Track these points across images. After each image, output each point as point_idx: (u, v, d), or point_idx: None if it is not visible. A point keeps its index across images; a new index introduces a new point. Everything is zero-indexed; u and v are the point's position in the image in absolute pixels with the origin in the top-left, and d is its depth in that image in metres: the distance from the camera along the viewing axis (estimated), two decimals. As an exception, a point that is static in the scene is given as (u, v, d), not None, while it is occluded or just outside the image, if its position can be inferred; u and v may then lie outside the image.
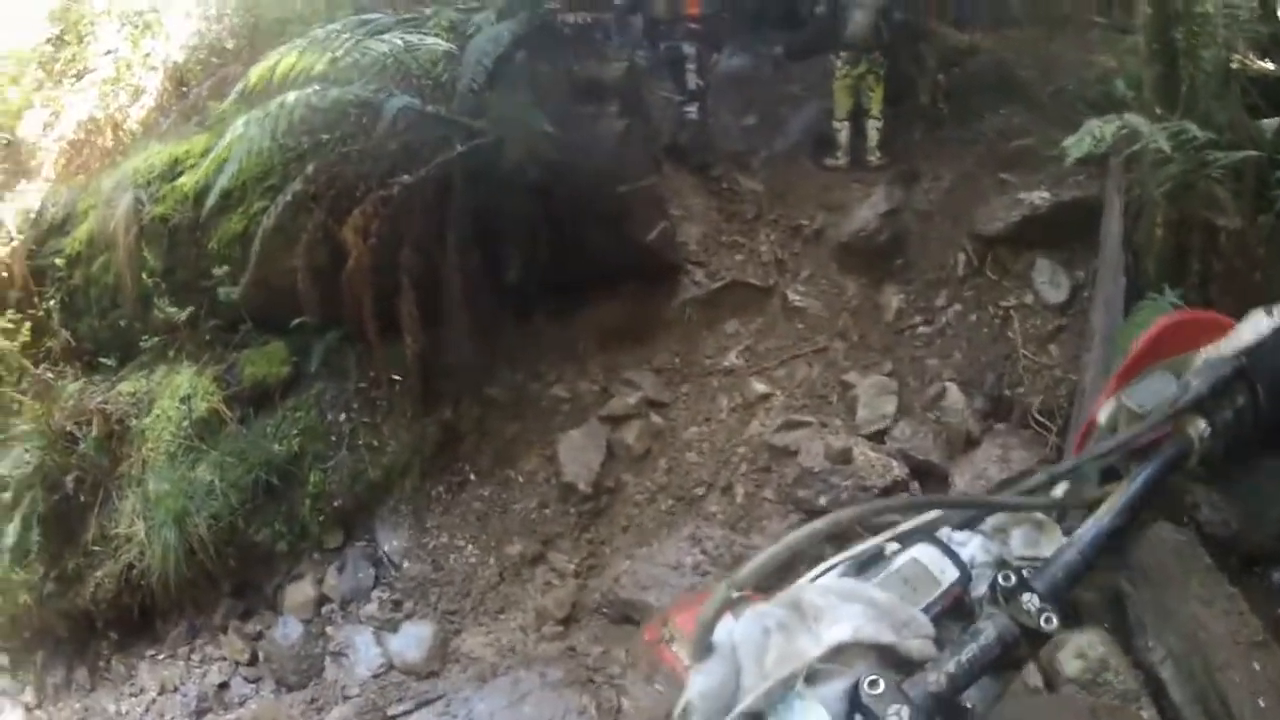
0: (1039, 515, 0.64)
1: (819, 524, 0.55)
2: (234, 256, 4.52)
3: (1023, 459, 3.33)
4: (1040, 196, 3.66)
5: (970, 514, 0.65)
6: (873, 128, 3.85)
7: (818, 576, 0.59)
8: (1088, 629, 2.82)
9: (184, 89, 5.53)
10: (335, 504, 4.03)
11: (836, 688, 0.49)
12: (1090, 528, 0.59)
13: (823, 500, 3.18)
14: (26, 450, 4.34)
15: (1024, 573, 0.55)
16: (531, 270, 3.62)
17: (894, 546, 0.61)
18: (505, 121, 3.74)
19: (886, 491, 3.25)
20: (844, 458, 3.21)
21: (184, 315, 4.67)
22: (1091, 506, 0.62)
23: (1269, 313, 0.64)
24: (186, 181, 4.70)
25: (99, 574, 4.21)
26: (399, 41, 3.90)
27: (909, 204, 3.76)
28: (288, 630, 4.10)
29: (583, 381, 3.60)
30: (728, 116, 4.23)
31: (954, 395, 3.45)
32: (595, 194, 3.55)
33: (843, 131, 3.77)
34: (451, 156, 3.79)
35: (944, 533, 0.62)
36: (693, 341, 3.59)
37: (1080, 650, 2.82)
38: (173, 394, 4.69)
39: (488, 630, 3.66)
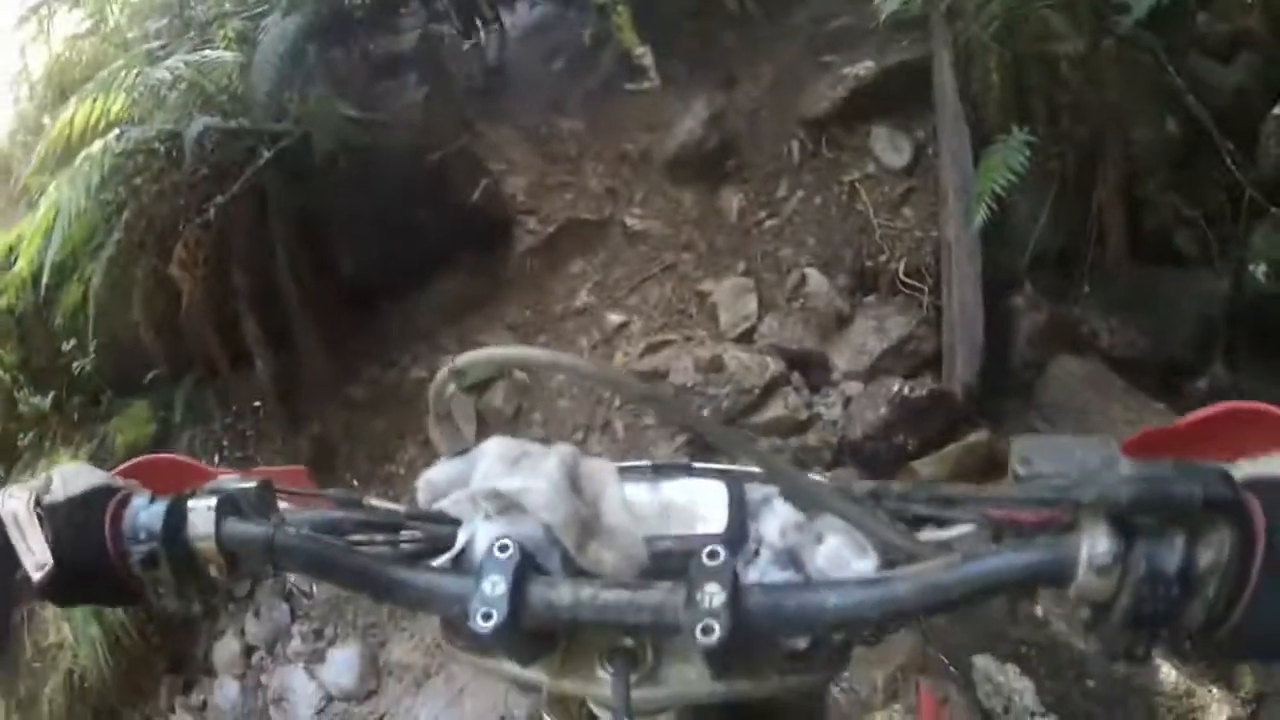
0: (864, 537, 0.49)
1: (564, 357, 0.55)
2: (79, 327, 4.34)
3: (899, 324, 3.27)
4: (864, 67, 3.61)
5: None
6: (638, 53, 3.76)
7: (629, 466, 0.55)
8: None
9: (8, 175, 5.31)
10: (231, 549, 3.86)
11: (491, 530, 0.49)
12: (869, 586, 0.44)
13: (706, 413, 3.07)
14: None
15: (751, 564, 0.47)
16: (364, 259, 3.49)
17: (704, 469, 0.54)
18: (307, 117, 3.61)
19: (767, 389, 3.16)
20: (715, 365, 3.11)
21: (48, 402, 4.51)
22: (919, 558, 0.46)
23: None
24: (22, 266, 4.50)
25: (48, 690, 4.05)
26: (182, 65, 3.77)
27: (731, 106, 3.68)
28: (226, 692, 3.97)
29: (439, 358, 3.46)
30: (536, 65, 4.14)
31: (815, 279, 3.37)
32: (410, 167, 3.43)
33: (645, 55, 3.69)
34: (261, 165, 3.65)
35: (762, 490, 0.52)
36: (540, 290, 3.47)
37: None
38: (58, 485, 4.51)
39: (410, 634, 3.58)
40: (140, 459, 0.59)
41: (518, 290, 3.47)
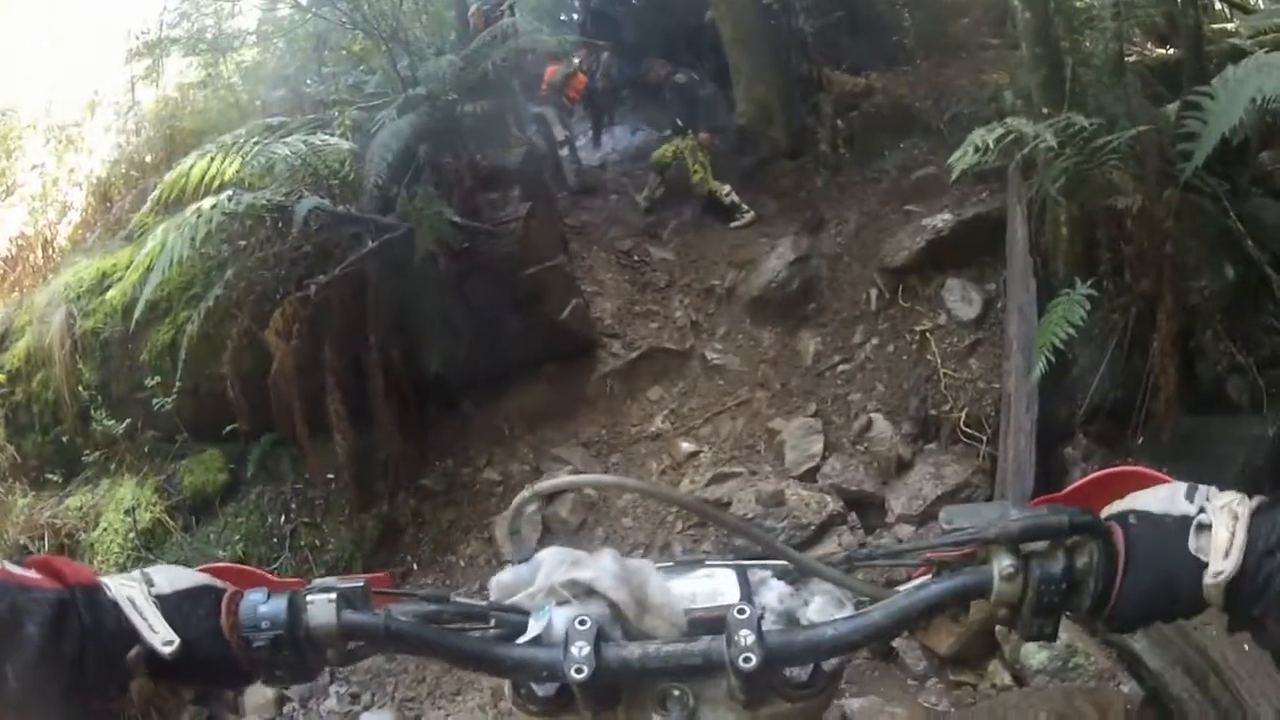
0: (842, 591, 0.68)
1: (630, 481, 0.71)
2: (165, 367, 4.51)
3: (955, 473, 3.38)
4: (943, 219, 3.75)
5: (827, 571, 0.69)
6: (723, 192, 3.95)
7: (661, 565, 0.70)
8: None
9: (108, 203, 5.56)
10: (283, 606, 3.99)
11: (567, 612, 0.61)
12: (853, 619, 0.62)
13: (760, 546, 3.19)
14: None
15: (762, 619, 0.62)
16: (452, 358, 3.64)
17: (714, 563, 0.70)
18: (413, 214, 3.79)
19: (823, 527, 3.28)
20: (776, 500, 3.24)
21: (122, 428, 4.67)
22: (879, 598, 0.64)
23: (1189, 497, 0.56)
24: (115, 295, 4.69)
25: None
26: (301, 145, 3.95)
27: (816, 250, 3.83)
28: None
29: (513, 463, 3.61)
30: (630, 190, 4.32)
31: (880, 424, 3.50)
32: (506, 278, 3.60)
33: (731, 194, 3.85)
34: (364, 253, 3.83)
35: (760, 573, 0.70)
36: (617, 412, 3.62)
37: (1042, 641, 2.83)
38: (118, 507, 4.67)
39: (446, 713, 3.67)
40: (218, 565, 0.65)
41: (596, 410, 3.61)
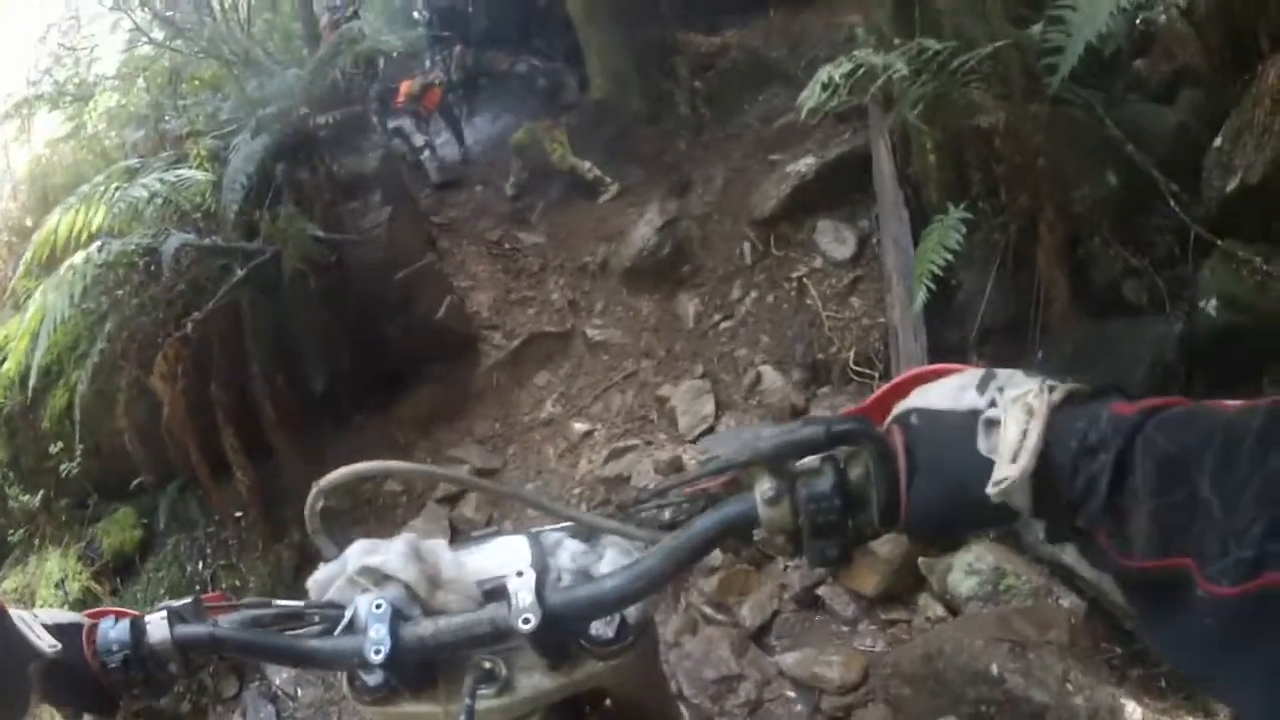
0: (633, 543, 0.69)
1: (403, 465, 0.75)
2: (65, 431, 4.43)
3: None
4: (806, 164, 3.73)
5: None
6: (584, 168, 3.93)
7: (459, 541, 0.73)
8: (970, 544, 2.83)
9: (-7, 273, 5.40)
10: (220, 654, 3.96)
11: (366, 598, 0.63)
12: (630, 568, 0.61)
13: (668, 514, 3.19)
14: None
15: (545, 580, 0.63)
16: (336, 373, 3.60)
17: (507, 534, 0.72)
18: (277, 236, 3.73)
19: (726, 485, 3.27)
20: (674, 466, 3.24)
21: (38, 500, 4.60)
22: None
23: (981, 388, 0.48)
24: (9, 366, 4.58)
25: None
26: (157, 183, 3.88)
27: (685, 211, 3.82)
28: None
29: (411, 470, 3.57)
30: (496, 179, 4.28)
31: (770, 376, 3.50)
32: (377, 285, 3.55)
33: (592, 170, 3.83)
34: (234, 282, 3.77)
35: (553, 535, 0.71)
36: (507, 403, 3.59)
37: (968, 567, 2.82)
38: (48, 581, 4.59)
39: None
40: (101, 609, 0.72)
41: (486, 404, 3.58)
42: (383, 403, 3.68)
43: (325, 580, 0.69)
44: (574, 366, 3.61)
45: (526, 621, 0.58)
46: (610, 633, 0.64)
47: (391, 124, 4.49)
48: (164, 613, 0.67)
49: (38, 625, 0.65)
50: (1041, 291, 3.32)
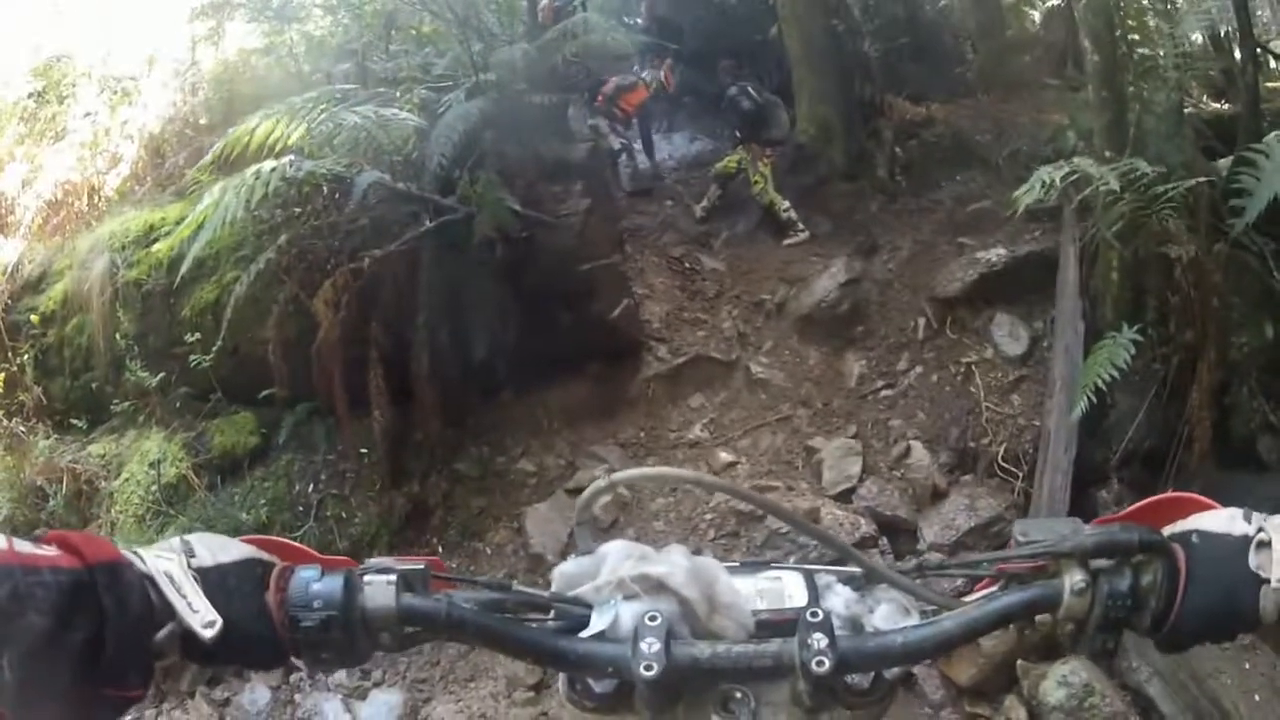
0: (907, 598, 0.68)
1: (711, 478, 0.70)
2: (206, 325, 4.53)
3: (989, 506, 3.39)
4: (996, 254, 3.77)
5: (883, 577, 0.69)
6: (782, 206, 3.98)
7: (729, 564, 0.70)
8: (1069, 658, 2.84)
9: (159, 158, 5.59)
10: (302, 574, 4.01)
11: (636, 607, 0.60)
12: (923, 628, 0.61)
13: (791, 561, 3.20)
14: (-4, 500, 4.32)
15: (833, 621, 0.61)
16: (499, 346, 3.66)
17: (780, 566, 0.70)
18: (474, 198, 3.81)
19: (855, 547, 3.28)
20: (811, 518, 3.24)
21: (155, 381, 4.67)
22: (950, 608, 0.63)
23: (1246, 519, 0.57)
24: (161, 248, 4.71)
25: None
26: (372, 115, 3.96)
27: (868, 274, 3.85)
28: (255, 697, 4.03)
29: (549, 456, 3.63)
30: (686, 197, 4.35)
31: (919, 452, 3.51)
32: (560, 272, 3.62)
33: (790, 210, 3.88)
34: (420, 232, 3.86)
35: (825, 578, 0.69)
36: (657, 416, 3.64)
37: (1062, 678, 2.84)
38: (142, 459, 4.67)
39: (458, 699, 3.66)
40: (260, 537, 0.60)
41: (636, 412, 3.63)
42: (535, 386, 3.73)
43: (575, 574, 0.64)
44: (731, 397, 3.64)
45: (820, 664, 0.56)
46: (865, 684, 0.63)
47: (589, 121, 4.58)
48: (391, 576, 0.58)
49: (190, 584, 0.51)
50: (1186, 429, 3.33)
